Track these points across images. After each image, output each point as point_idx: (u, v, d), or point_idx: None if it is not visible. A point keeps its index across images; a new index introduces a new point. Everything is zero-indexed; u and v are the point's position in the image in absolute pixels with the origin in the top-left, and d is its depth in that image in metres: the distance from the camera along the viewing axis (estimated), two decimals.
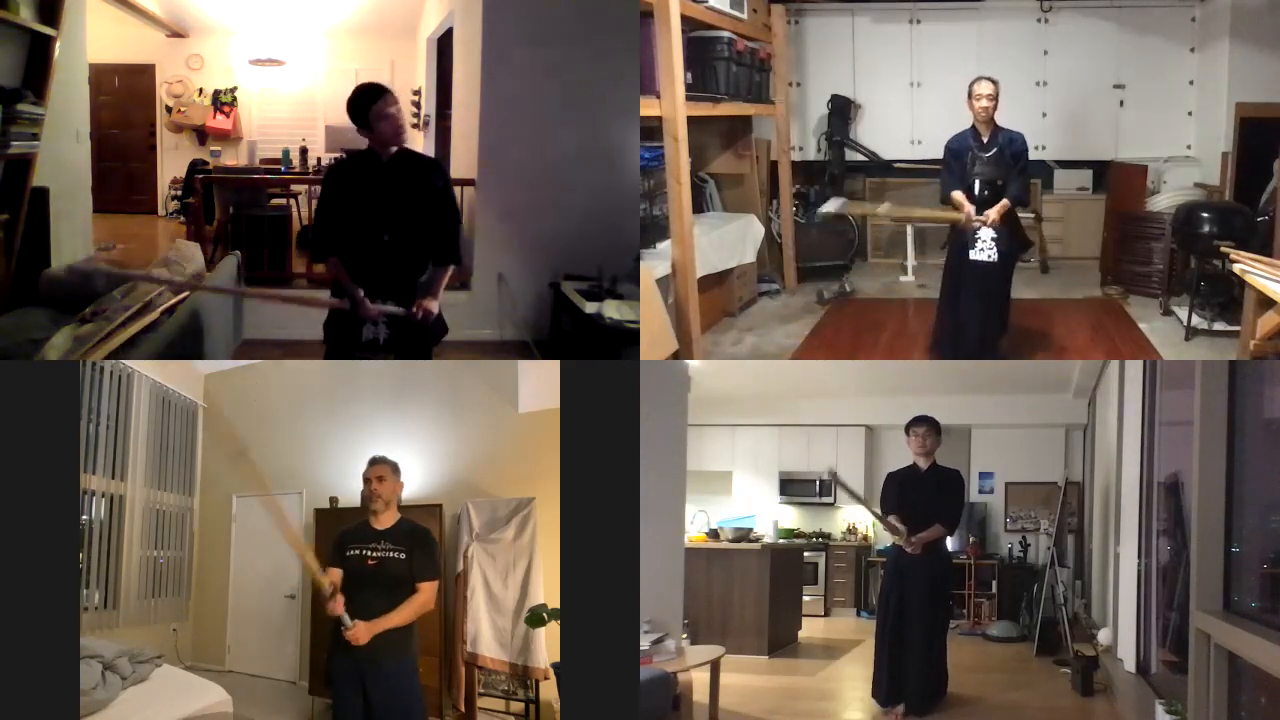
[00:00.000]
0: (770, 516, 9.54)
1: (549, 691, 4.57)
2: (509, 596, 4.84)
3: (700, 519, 8.28)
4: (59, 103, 5.62)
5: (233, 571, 6.57)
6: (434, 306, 3.86)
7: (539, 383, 4.92)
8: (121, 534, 5.93)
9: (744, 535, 7.59)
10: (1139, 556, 5.55)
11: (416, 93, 9.90)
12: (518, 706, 4.83)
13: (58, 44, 5.44)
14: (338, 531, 3.60)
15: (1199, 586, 3.40)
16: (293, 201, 8.32)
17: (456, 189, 6.91)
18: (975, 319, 4.99)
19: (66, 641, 3.22)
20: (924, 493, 5.10)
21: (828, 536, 9.86)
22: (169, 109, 11.70)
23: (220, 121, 11.65)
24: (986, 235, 4.84)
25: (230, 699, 4.05)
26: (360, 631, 3.28)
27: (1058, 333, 5.89)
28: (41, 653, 3.17)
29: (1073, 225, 7.60)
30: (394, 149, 3.82)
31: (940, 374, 7.99)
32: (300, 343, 5.53)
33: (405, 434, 5.35)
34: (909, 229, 7.35)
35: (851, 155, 7.57)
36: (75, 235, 6.41)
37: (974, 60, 6.81)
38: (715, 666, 4.86)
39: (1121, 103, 7.25)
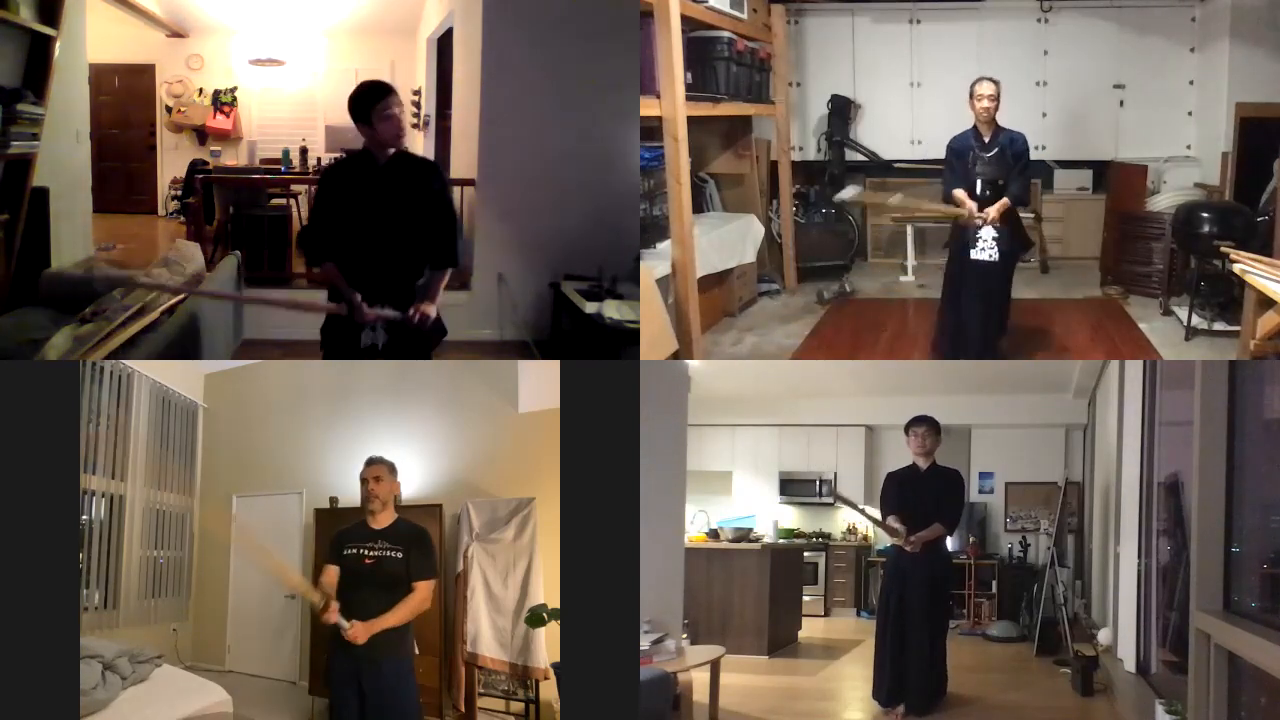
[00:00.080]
0: (770, 516, 9.54)
1: (549, 691, 4.57)
2: (509, 596, 4.84)
3: (700, 519, 8.28)
4: (59, 103, 5.63)
5: (233, 571, 6.57)
6: (431, 311, 3.81)
7: (539, 383, 4.92)
8: (121, 534, 5.93)
9: (744, 535, 7.59)
10: (1139, 556, 5.55)
11: (416, 93, 9.90)
12: (518, 706, 4.83)
13: (58, 44, 5.44)
14: (335, 531, 3.61)
15: (1199, 586, 3.40)
16: (293, 201, 8.31)
17: (456, 189, 7.01)
18: (976, 319, 4.99)
19: (66, 641, 3.22)
20: (924, 493, 5.10)
21: (828, 536, 9.86)
22: (169, 109, 11.70)
23: (220, 121, 11.65)
24: (988, 235, 4.84)
25: (230, 699, 4.05)
26: (358, 631, 3.29)
27: (1058, 333, 5.89)
28: (41, 653, 3.17)
29: (1073, 225, 7.60)
30: (391, 151, 3.76)
31: (940, 374, 7.99)
32: (300, 343, 5.51)
33: (405, 434, 5.35)
34: (909, 229, 7.35)
35: (851, 155, 7.57)
36: (75, 235, 6.42)
37: (974, 60, 6.81)
38: (715, 666, 4.86)
39: (1121, 103, 7.25)
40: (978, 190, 4.88)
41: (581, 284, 6.22)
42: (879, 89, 7.53)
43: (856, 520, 9.87)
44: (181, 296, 4.89)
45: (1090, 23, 7.21)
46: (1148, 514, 5.47)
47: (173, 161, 11.61)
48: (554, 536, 3.76)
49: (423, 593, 3.43)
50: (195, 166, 10.45)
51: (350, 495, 5.02)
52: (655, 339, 4.70)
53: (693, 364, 5.53)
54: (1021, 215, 5.33)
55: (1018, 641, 7.57)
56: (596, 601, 3.34)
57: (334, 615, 3.31)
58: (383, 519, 3.51)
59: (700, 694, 4.84)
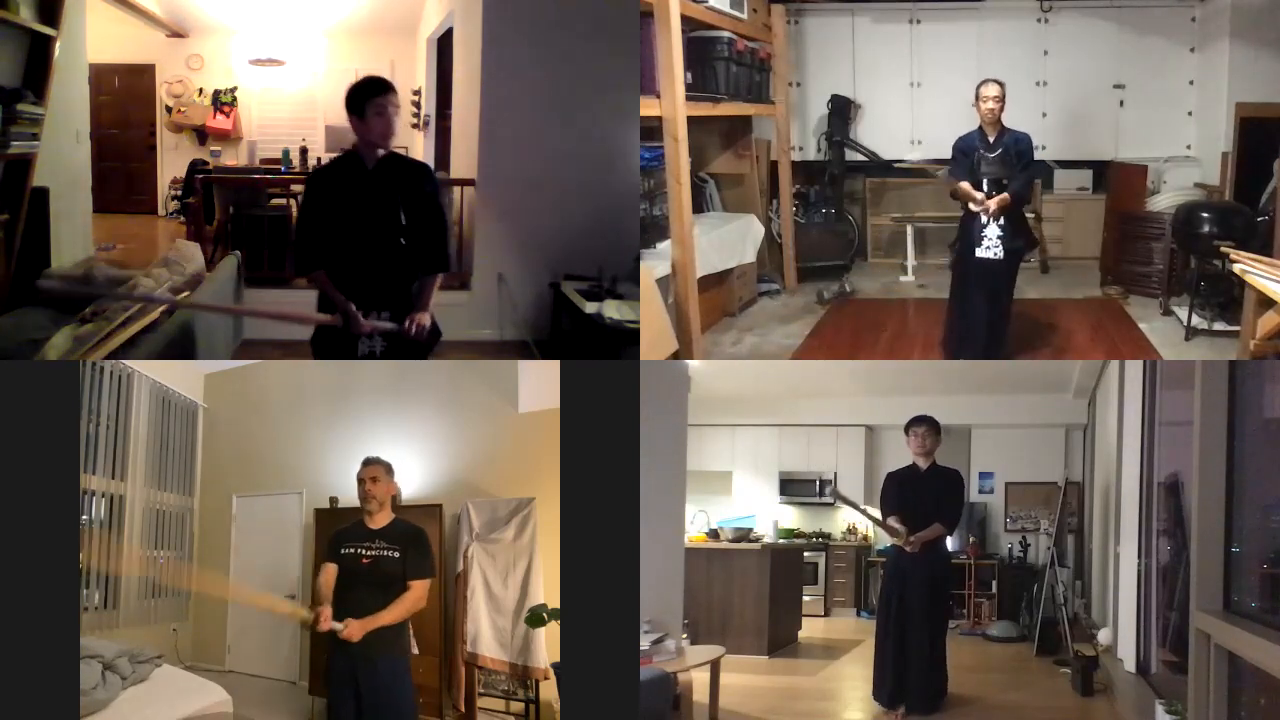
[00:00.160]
0: (770, 516, 9.54)
1: (549, 691, 4.57)
2: (509, 596, 4.84)
3: (700, 519, 8.27)
4: (59, 103, 5.63)
5: (233, 571, 6.56)
6: (427, 320, 3.71)
7: (539, 383, 4.92)
8: (121, 534, 5.93)
9: (744, 535, 7.59)
10: (1139, 556, 5.55)
11: (416, 93, 9.90)
12: (518, 706, 4.83)
13: (58, 44, 5.44)
14: (332, 531, 3.62)
15: (1199, 586, 3.40)
16: (293, 201, 8.30)
17: (456, 189, 7.02)
18: (982, 317, 5.00)
19: (66, 641, 3.22)
20: (924, 493, 5.10)
21: (828, 536, 9.86)
22: (169, 109, 11.70)
23: (220, 121, 11.65)
24: (993, 233, 4.85)
25: (230, 699, 4.05)
26: (353, 629, 3.30)
27: (1058, 333, 5.89)
28: (41, 653, 3.17)
29: (1073, 225, 7.60)
30: (380, 152, 3.66)
31: (940, 374, 7.99)
32: (300, 343, 5.47)
33: (405, 434, 5.35)
34: (909, 229, 7.35)
35: (851, 155, 7.57)
36: (75, 235, 6.42)
37: (974, 60, 6.82)
38: (715, 666, 4.86)
39: (1121, 103, 7.25)
40: (983, 190, 4.89)
41: (581, 284, 6.22)
42: (879, 89, 7.53)
43: (856, 520, 9.86)
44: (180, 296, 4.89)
45: (1090, 23, 7.21)
46: (1148, 514, 5.47)
47: (173, 161, 11.61)
48: (554, 536, 3.76)
49: (418, 591, 3.44)
50: (195, 166, 10.45)
51: (350, 495, 4.99)
52: (655, 339, 4.70)
53: (693, 364, 5.53)
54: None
55: (1018, 641, 7.57)
56: (596, 601, 3.34)
57: (326, 624, 3.31)
58: (380, 519, 3.52)
59: (700, 694, 4.84)
